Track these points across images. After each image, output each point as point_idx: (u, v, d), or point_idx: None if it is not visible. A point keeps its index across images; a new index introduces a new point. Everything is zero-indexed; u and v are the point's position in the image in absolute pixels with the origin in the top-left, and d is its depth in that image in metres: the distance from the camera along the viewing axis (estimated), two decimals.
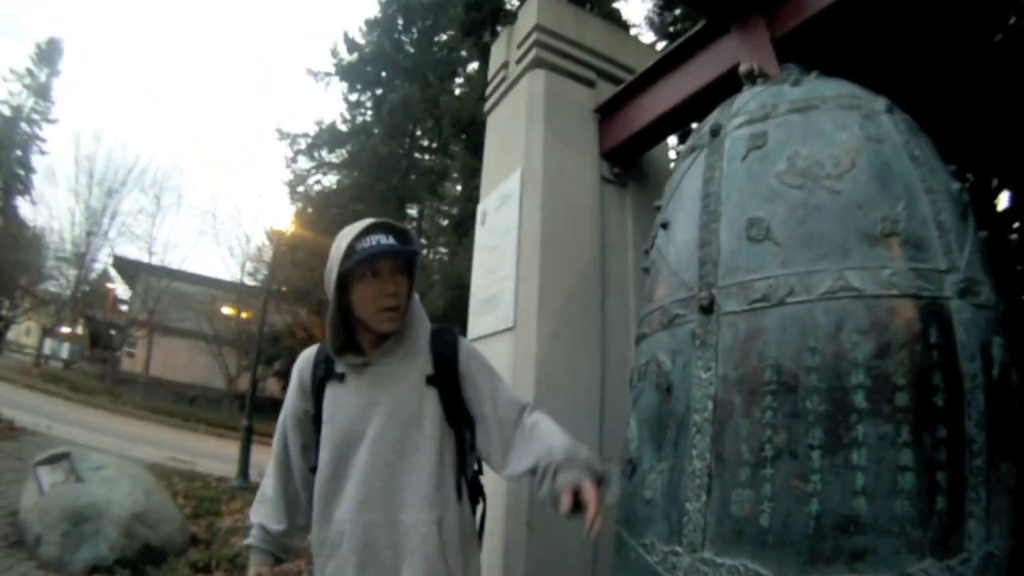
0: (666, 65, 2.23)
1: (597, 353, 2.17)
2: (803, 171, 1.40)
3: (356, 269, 1.52)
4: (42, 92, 26.09)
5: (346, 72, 14.95)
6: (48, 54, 26.09)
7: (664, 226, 1.61)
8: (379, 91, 14.76)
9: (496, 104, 2.72)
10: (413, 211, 17.86)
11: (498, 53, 2.77)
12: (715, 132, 1.61)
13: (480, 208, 2.68)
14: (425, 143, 16.96)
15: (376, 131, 13.85)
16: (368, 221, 1.56)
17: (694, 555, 1.31)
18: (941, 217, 1.38)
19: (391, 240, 1.54)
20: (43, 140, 26.77)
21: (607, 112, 2.51)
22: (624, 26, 9.41)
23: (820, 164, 1.39)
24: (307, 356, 1.70)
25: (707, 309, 1.40)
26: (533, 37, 2.47)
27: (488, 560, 2.39)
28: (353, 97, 16.14)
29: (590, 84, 2.56)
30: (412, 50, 14.48)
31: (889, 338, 1.24)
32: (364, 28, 15.77)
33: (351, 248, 1.51)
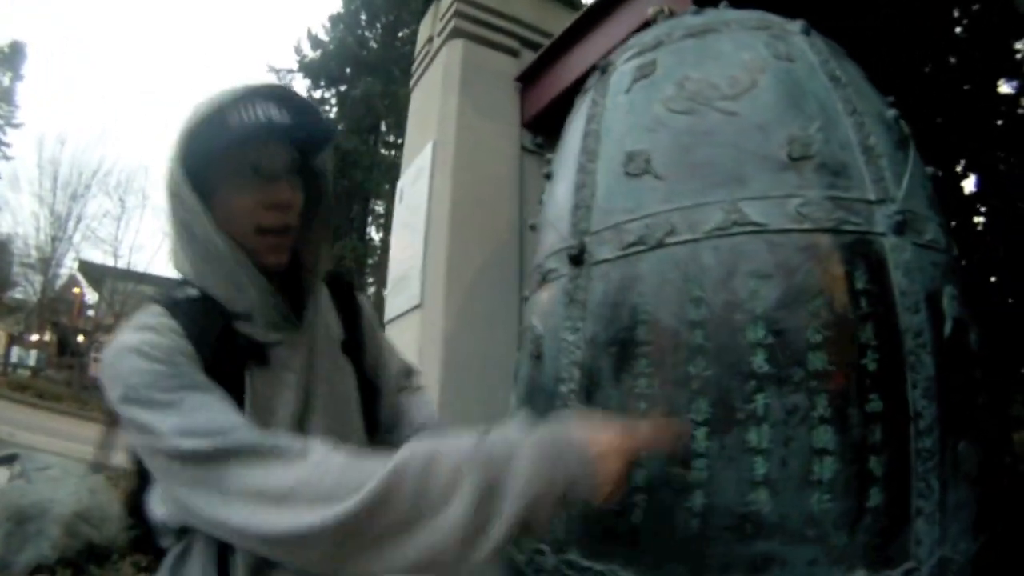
0: (585, 24, 1.92)
1: (513, 333, 1.85)
2: (693, 95, 1.06)
3: (227, 156, 0.80)
4: (6, 97, 24.45)
5: (309, 68, 14.39)
6: (11, 58, 24.33)
7: (548, 176, 1.28)
8: (343, 87, 14.19)
9: (419, 80, 2.44)
10: (379, 207, 16.70)
11: (425, 29, 2.49)
12: (604, 69, 1.28)
13: (399, 185, 2.39)
14: (390, 139, 15.65)
15: (340, 127, 13.38)
16: (248, 83, 0.83)
17: (559, 555, 0.98)
18: (870, 141, 1.04)
19: (284, 115, 0.81)
20: (7, 145, 24.92)
21: (528, 80, 2.20)
22: None
23: (714, 86, 1.06)
24: (168, 329, 0.77)
25: (577, 259, 1.06)
26: (454, 7, 2.18)
27: None
28: (317, 94, 15.31)
29: (513, 53, 2.26)
30: (375, 45, 13.90)
31: (800, 283, 0.90)
32: (327, 25, 15.15)
33: (221, 120, 0.78)
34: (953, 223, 4.85)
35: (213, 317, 0.80)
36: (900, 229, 0.99)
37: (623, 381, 0.95)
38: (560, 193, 1.20)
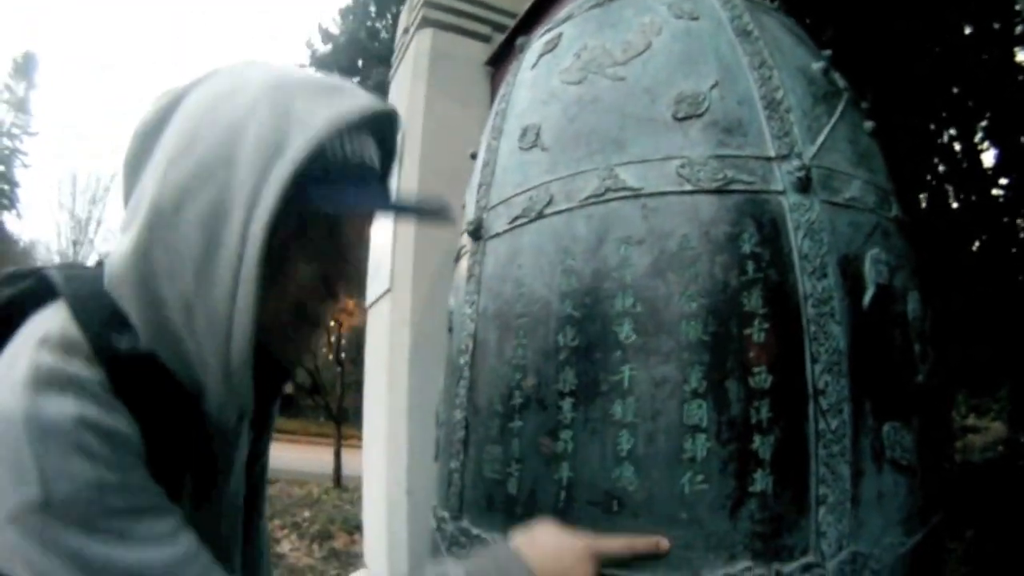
0: (548, 3, 1.82)
1: None
2: (586, 64, 0.98)
3: (315, 209, 0.51)
4: (21, 106, 23.46)
5: (321, 62, 13.46)
6: (24, 68, 23.47)
7: (473, 157, 1.21)
8: (355, 79, 14.10)
9: (395, 72, 2.39)
10: None
11: (402, 22, 2.44)
12: (521, 47, 1.20)
13: None
14: None
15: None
16: (334, 103, 0.50)
17: (456, 522, 0.93)
18: (778, 95, 0.93)
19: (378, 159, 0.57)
20: (24, 153, 23.74)
21: (497, 63, 2.12)
22: None
23: (608, 53, 0.97)
24: (111, 403, 0.46)
25: (475, 234, 1.00)
26: None
27: (372, 529, 2.06)
28: None
29: (485, 39, 2.19)
30: (386, 36, 13.14)
31: (673, 248, 0.80)
32: (337, 18, 14.31)
33: (335, 152, 0.51)
34: (972, 196, 4.54)
35: (165, 395, 0.50)
36: (804, 186, 0.87)
37: (503, 352, 0.88)
38: (475, 172, 1.13)
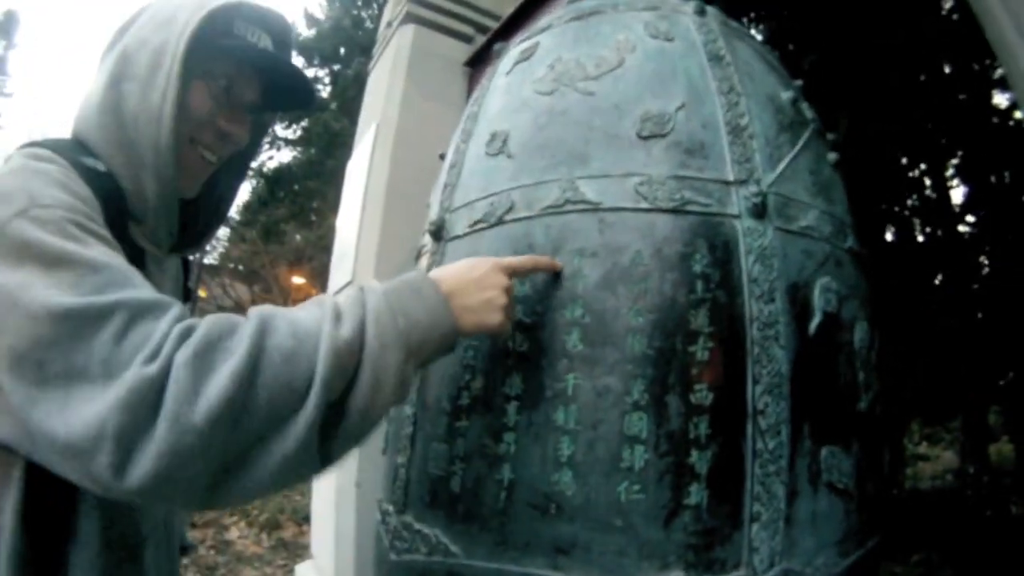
0: (530, 7, 1.84)
1: None
2: (559, 76, 1.00)
3: (213, 58, 0.73)
4: None
5: (304, 47, 13.63)
6: (5, 26, 21.88)
7: (442, 157, 1.23)
8: (336, 67, 13.70)
9: (375, 65, 2.39)
10: None
11: (386, 15, 2.44)
12: (499, 52, 1.22)
13: (348, 167, 2.34)
14: None
15: (332, 106, 12.91)
16: (267, 9, 0.80)
17: (400, 517, 0.94)
18: (742, 121, 0.96)
19: (282, 59, 0.81)
20: None
21: (476, 65, 2.14)
22: None
23: (581, 67, 0.99)
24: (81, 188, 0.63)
25: (436, 235, 1.01)
26: None
27: (320, 521, 2.06)
28: (310, 72, 14.32)
29: (466, 39, 2.21)
30: (371, 25, 13.12)
31: (625, 263, 0.83)
32: (324, 4, 14.46)
33: (229, 21, 0.75)
34: (939, 231, 4.72)
35: (115, 201, 0.67)
36: (759, 212, 0.90)
37: (456, 352, 0.89)
38: (442, 173, 1.14)
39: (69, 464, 0.49)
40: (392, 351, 0.58)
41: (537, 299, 0.84)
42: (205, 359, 0.50)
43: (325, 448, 0.55)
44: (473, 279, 0.70)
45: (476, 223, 0.94)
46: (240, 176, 0.90)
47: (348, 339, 0.56)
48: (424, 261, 1.06)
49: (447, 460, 0.86)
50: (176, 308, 0.54)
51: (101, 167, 0.68)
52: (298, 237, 12.67)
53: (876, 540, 0.96)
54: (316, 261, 11.07)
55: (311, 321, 0.56)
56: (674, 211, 0.86)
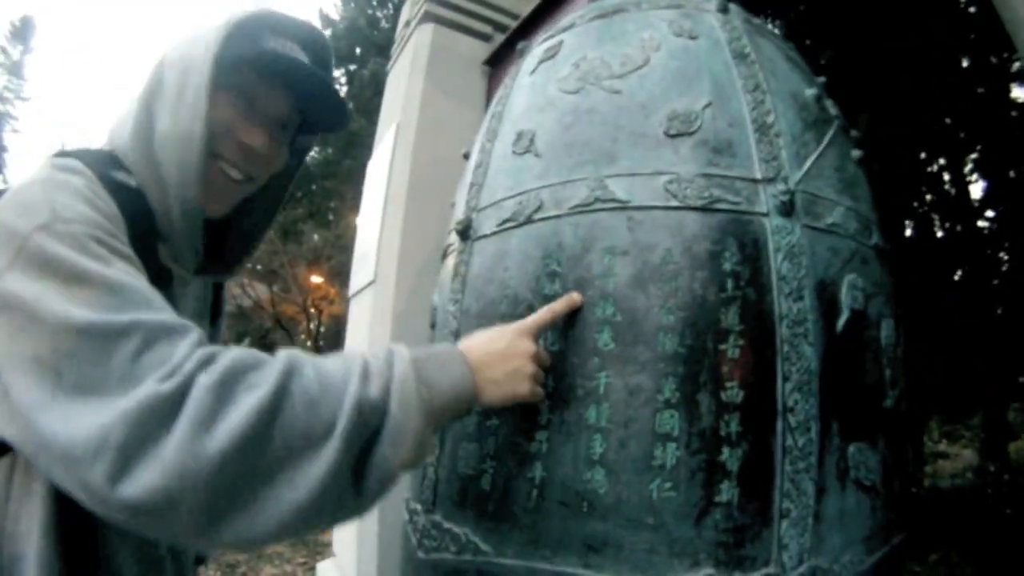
0: (550, 6, 1.84)
1: None
2: (585, 74, 1.00)
3: (240, 70, 0.72)
4: (15, 70, 22.75)
5: None
6: (22, 32, 22.72)
7: (465, 156, 1.23)
8: (352, 67, 13.63)
9: (394, 65, 2.40)
10: None
11: (404, 14, 2.44)
12: (521, 52, 1.22)
13: (368, 167, 2.35)
14: None
15: (349, 105, 12.97)
16: (298, 20, 0.79)
17: (428, 515, 0.95)
18: (768, 119, 0.96)
19: (312, 74, 0.76)
20: (15, 118, 23.00)
21: (496, 63, 2.14)
22: None
23: (606, 65, 1.00)
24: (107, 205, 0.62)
25: (463, 234, 1.02)
26: None
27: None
28: None
29: (485, 38, 2.20)
30: (386, 25, 13.09)
31: (656, 261, 0.83)
32: (339, 4, 14.46)
33: (259, 32, 0.73)
34: (958, 227, 4.66)
35: (143, 218, 0.66)
36: (787, 210, 0.90)
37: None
38: (467, 172, 1.15)
39: (66, 471, 0.48)
40: (414, 419, 0.57)
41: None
42: (229, 388, 0.50)
43: (342, 504, 0.54)
44: (498, 351, 0.71)
45: (504, 222, 0.94)
46: (276, 205, 0.86)
47: (373, 400, 0.55)
48: (451, 260, 1.06)
49: (477, 459, 0.87)
50: (195, 332, 0.54)
51: (132, 183, 0.67)
52: (316, 237, 12.75)
53: (901, 537, 0.95)
54: (334, 260, 11.13)
55: (339, 374, 0.56)
56: (703, 209, 0.86)
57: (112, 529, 0.60)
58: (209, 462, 0.46)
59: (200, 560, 0.92)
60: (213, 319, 0.89)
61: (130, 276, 0.55)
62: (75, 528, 0.57)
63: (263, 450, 0.49)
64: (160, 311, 0.54)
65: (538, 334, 0.76)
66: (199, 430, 0.47)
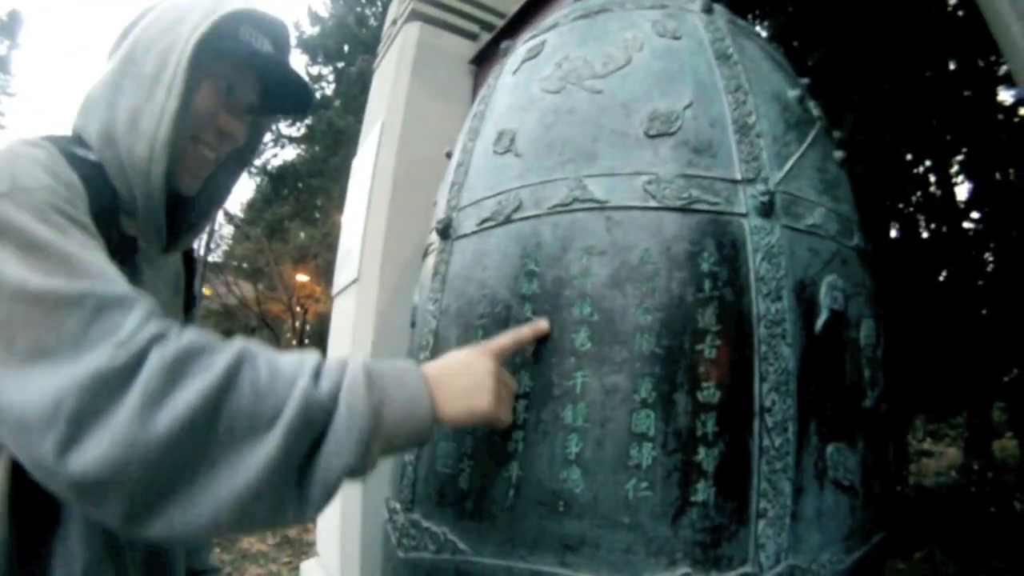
0: (535, 5, 1.84)
1: None
2: (566, 74, 1.00)
3: (217, 60, 0.75)
4: (2, 65, 21.13)
5: (307, 45, 13.59)
6: (9, 27, 21.10)
7: (448, 155, 1.23)
8: (340, 64, 13.55)
9: (380, 63, 2.38)
10: None
11: (391, 12, 2.43)
12: (505, 51, 1.22)
13: (353, 165, 2.34)
14: None
15: (336, 103, 12.82)
16: (266, 11, 0.81)
17: (407, 514, 0.94)
18: (750, 120, 0.96)
19: (280, 60, 0.84)
20: (1, 114, 21.10)
21: (482, 62, 2.13)
22: None
23: (588, 65, 1.00)
24: (69, 177, 0.62)
25: (444, 233, 1.02)
26: None
27: (325, 518, 2.07)
28: (314, 70, 14.29)
29: (472, 36, 2.20)
30: (375, 23, 12.94)
31: (634, 261, 0.83)
32: (327, 1, 14.34)
33: (234, 24, 0.76)
34: (943, 228, 4.70)
35: (106, 194, 0.67)
36: (766, 210, 0.91)
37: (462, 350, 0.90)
38: (449, 171, 1.15)
39: (19, 441, 0.48)
40: (360, 423, 0.56)
41: (546, 297, 0.84)
42: (181, 368, 0.50)
43: (282, 501, 0.53)
44: (456, 364, 0.70)
45: (484, 221, 0.94)
46: (235, 175, 0.90)
47: (321, 398, 0.55)
48: (431, 259, 1.06)
49: (455, 458, 0.87)
50: (145, 303, 0.54)
51: (92, 156, 0.69)
52: (302, 235, 12.68)
53: (881, 536, 0.96)
54: (320, 259, 11.08)
55: (290, 368, 0.56)
56: (682, 210, 0.86)
57: (72, 512, 0.61)
58: (156, 438, 0.47)
59: (202, 573, 0.91)
60: (188, 298, 0.91)
61: (85, 248, 0.55)
62: (33, 502, 0.57)
63: (208, 433, 0.49)
64: (112, 281, 0.54)
65: (499, 356, 0.75)
66: (149, 406, 0.47)
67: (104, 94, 0.71)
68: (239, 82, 0.78)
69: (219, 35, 0.73)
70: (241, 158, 0.89)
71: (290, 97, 0.85)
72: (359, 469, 0.58)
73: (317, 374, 0.57)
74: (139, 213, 0.72)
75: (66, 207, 0.57)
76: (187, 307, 0.91)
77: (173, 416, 0.48)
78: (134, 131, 0.69)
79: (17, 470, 0.55)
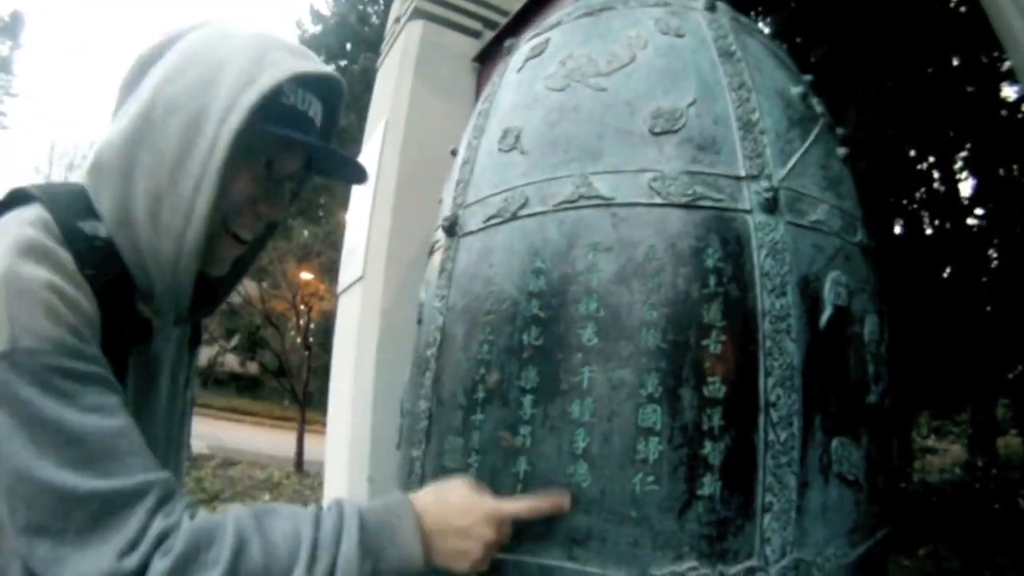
0: (538, 2, 1.84)
1: None
2: (571, 72, 1.01)
3: (260, 139, 0.65)
4: (4, 65, 21.71)
5: (309, 44, 13.37)
6: (11, 27, 21.69)
7: (453, 153, 1.24)
8: (343, 62, 13.34)
9: (383, 62, 2.39)
10: None
11: (394, 10, 2.44)
12: (509, 49, 1.22)
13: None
14: None
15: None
16: (311, 62, 0.70)
17: None
18: (753, 117, 0.96)
19: (325, 118, 0.74)
20: (3, 115, 21.84)
21: (485, 60, 2.14)
22: None
23: (592, 62, 1.00)
24: (77, 280, 0.57)
25: (450, 230, 1.03)
26: None
27: None
28: None
29: (475, 35, 2.20)
30: (377, 21, 12.90)
31: (639, 257, 0.84)
32: (330, 0, 14.31)
33: (277, 92, 0.64)
34: (947, 224, 4.70)
35: (117, 281, 0.60)
36: (771, 207, 0.91)
37: (469, 347, 0.91)
38: (454, 168, 1.16)
39: None
40: None
41: (552, 293, 0.85)
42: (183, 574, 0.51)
43: None
44: (456, 528, 0.68)
45: (490, 218, 0.95)
46: (265, 241, 0.84)
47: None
48: (437, 256, 1.07)
49: (463, 453, 0.88)
50: (153, 495, 0.54)
51: (101, 232, 0.60)
52: (306, 233, 12.69)
53: (885, 531, 0.97)
54: (324, 256, 11.09)
55: (285, 555, 0.56)
56: (687, 206, 0.87)
57: None
58: None
59: None
60: (191, 346, 0.86)
61: (95, 412, 0.53)
62: None
63: None
64: (121, 467, 0.53)
65: (504, 524, 0.72)
66: None
67: (118, 162, 0.61)
68: (280, 156, 0.67)
69: (263, 106, 0.62)
70: (270, 228, 0.80)
71: (342, 164, 0.76)
72: None
73: (312, 559, 0.57)
74: (155, 294, 0.65)
75: (74, 364, 0.52)
76: (194, 342, 0.87)
77: None
78: (155, 223, 0.61)
79: None
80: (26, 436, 0.49)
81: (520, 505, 0.74)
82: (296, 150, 0.69)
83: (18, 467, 0.49)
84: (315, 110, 0.70)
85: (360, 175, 0.80)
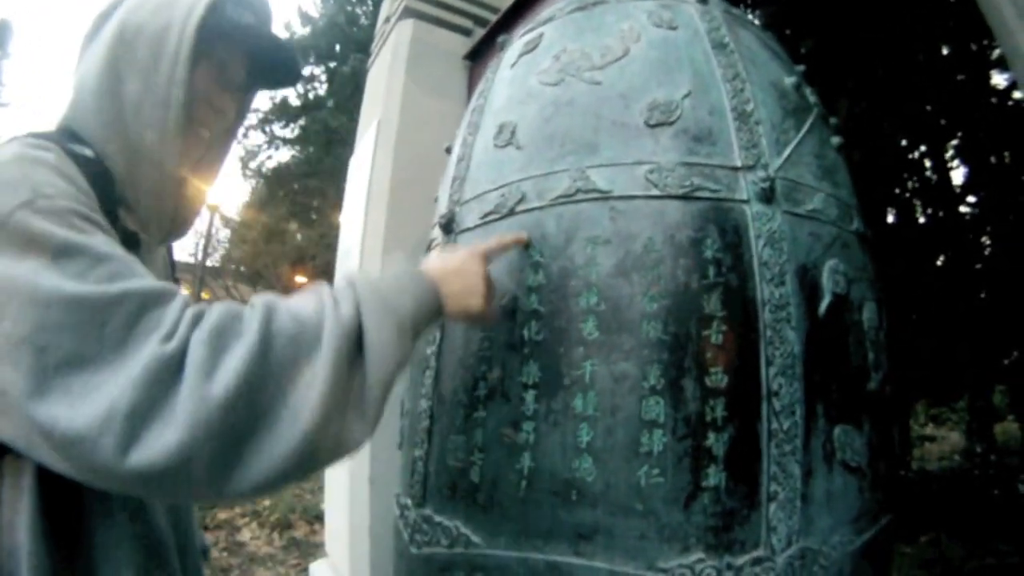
0: (529, 1, 1.84)
1: None
2: (565, 66, 1.01)
3: (211, 40, 0.73)
4: None
5: (299, 45, 13.05)
6: None
7: (448, 151, 1.23)
8: (332, 64, 13.40)
9: (374, 61, 2.38)
10: None
11: (384, 10, 2.43)
12: (503, 45, 1.22)
13: (350, 164, 2.34)
14: None
15: (329, 104, 12.76)
16: None
17: (419, 510, 0.95)
18: (748, 107, 0.97)
19: (267, 32, 0.82)
20: None
21: (476, 58, 2.13)
22: None
23: (586, 56, 1.00)
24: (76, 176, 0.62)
25: (447, 228, 1.02)
26: None
27: (333, 518, 2.08)
28: (306, 71, 13.84)
29: (465, 32, 2.20)
30: (366, 22, 12.74)
31: (638, 250, 0.84)
32: (318, 1, 13.96)
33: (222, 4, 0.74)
34: (940, 213, 4.72)
35: (109, 191, 0.65)
36: (767, 196, 0.91)
37: (470, 344, 0.91)
38: (449, 166, 1.15)
39: (68, 455, 0.47)
40: (386, 316, 0.61)
41: (552, 288, 0.85)
42: (220, 338, 0.52)
43: (346, 421, 0.56)
44: (454, 268, 0.75)
45: (487, 215, 0.95)
46: (225, 152, 0.88)
47: (348, 315, 0.58)
48: (434, 254, 1.07)
49: (466, 451, 0.88)
50: (182, 294, 0.56)
51: (89, 152, 0.66)
52: (299, 236, 12.65)
53: (889, 518, 0.97)
54: (319, 259, 11.06)
55: (310, 307, 0.58)
56: (684, 197, 0.87)
57: (113, 523, 0.61)
58: (217, 406, 0.48)
59: (203, 553, 0.92)
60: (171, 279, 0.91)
61: (112, 247, 0.55)
62: (63, 523, 0.57)
63: (262, 385, 0.51)
64: (144, 277, 0.55)
65: (487, 258, 0.80)
66: (202, 380, 0.49)
67: (102, 83, 0.68)
68: (231, 61, 0.77)
69: (215, 16, 0.72)
70: (228, 134, 0.87)
71: (277, 69, 0.85)
72: (404, 357, 0.63)
73: (336, 301, 0.60)
74: (141, 206, 0.71)
75: (87, 211, 0.57)
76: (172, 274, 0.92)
77: (226, 381, 0.49)
78: (140, 119, 0.68)
79: (43, 494, 0.55)
80: (51, 265, 0.51)
81: (489, 242, 0.84)
82: (240, 57, 0.78)
83: (46, 294, 0.49)
84: (249, 21, 0.79)
85: (293, 70, 0.87)
